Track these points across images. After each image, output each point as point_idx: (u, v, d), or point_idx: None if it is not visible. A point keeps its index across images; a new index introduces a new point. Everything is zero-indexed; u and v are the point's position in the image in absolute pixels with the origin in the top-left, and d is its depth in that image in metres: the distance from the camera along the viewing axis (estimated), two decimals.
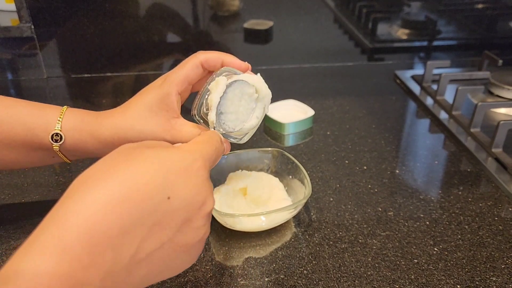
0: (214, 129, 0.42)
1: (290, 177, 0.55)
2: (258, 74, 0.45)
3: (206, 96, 0.43)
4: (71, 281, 0.23)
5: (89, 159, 0.64)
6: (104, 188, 0.25)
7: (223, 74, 0.44)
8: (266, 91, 0.45)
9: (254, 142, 0.68)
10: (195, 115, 0.44)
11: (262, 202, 0.52)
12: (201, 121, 0.44)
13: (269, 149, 0.58)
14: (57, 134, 0.44)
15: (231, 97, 0.43)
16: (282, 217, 0.49)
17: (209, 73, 0.46)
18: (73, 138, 0.45)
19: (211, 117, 0.42)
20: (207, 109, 0.42)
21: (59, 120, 0.44)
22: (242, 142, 0.47)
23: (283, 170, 0.56)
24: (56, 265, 0.23)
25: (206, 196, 0.30)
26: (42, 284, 0.22)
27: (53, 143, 0.44)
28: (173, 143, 0.42)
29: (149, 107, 0.44)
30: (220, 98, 0.42)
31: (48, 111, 0.45)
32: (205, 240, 0.32)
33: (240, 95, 0.44)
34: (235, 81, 0.43)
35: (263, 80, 0.45)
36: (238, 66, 0.46)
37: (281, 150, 0.57)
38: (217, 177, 0.55)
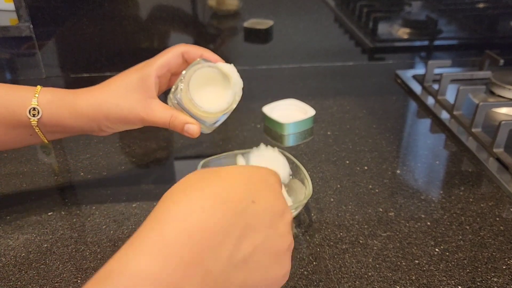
0: (181, 101, 0.47)
1: (291, 177, 0.55)
2: (232, 64, 0.49)
3: (182, 78, 0.47)
4: (172, 280, 0.24)
5: (84, 158, 0.63)
6: (201, 194, 0.27)
7: (198, 62, 0.49)
8: (237, 79, 0.49)
9: (254, 142, 0.68)
10: (170, 97, 0.48)
11: None
12: (175, 102, 0.48)
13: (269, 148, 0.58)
14: (34, 109, 0.45)
15: (202, 79, 0.48)
16: None
17: (188, 64, 0.50)
18: (50, 111, 0.46)
19: (183, 88, 0.47)
20: (181, 92, 0.47)
21: (35, 96, 0.46)
22: (212, 127, 0.50)
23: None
24: (157, 264, 0.24)
25: (285, 204, 0.32)
26: (144, 283, 0.23)
27: (31, 117, 0.45)
28: (147, 120, 0.47)
29: (129, 84, 0.47)
30: (191, 76, 0.47)
31: (25, 89, 0.47)
32: (291, 251, 0.31)
33: (211, 79, 0.48)
34: (207, 66, 0.48)
35: (236, 70, 0.49)
36: (214, 59, 0.50)
37: (281, 150, 0.56)
38: None
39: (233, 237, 0.27)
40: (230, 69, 0.49)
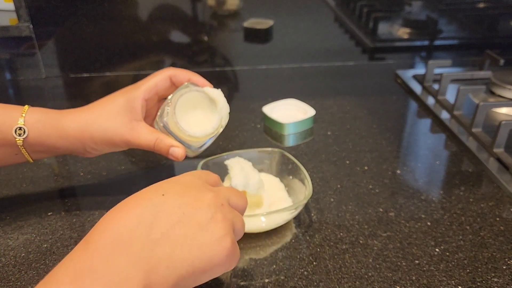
0: (167, 125, 0.48)
1: (291, 177, 0.55)
2: (219, 89, 0.50)
3: (168, 102, 0.48)
4: (102, 267, 0.29)
5: (84, 158, 0.63)
6: (121, 207, 0.33)
7: (185, 86, 0.49)
8: (223, 104, 0.49)
9: (254, 142, 0.68)
10: (156, 120, 0.49)
11: (262, 202, 0.51)
12: (161, 125, 0.48)
13: (269, 149, 0.58)
14: (20, 128, 0.46)
15: (189, 103, 0.48)
16: (283, 217, 0.49)
17: (176, 87, 0.51)
18: (36, 131, 0.46)
19: (169, 112, 0.47)
20: (167, 115, 0.48)
21: (22, 115, 0.46)
22: (197, 151, 0.51)
23: (283, 170, 0.56)
24: (82, 256, 0.30)
25: (198, 191, 0.35)
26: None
27: (17, 137, 0.45)
28: (132, 143, 0.47)
29: (115, 107, 0.47)
30: (177, 100, 0.47)
31: (12, 108, 0.47)
32: (219, 221, 0.34)
33: (198, 103, 0.49)
34: (195, 91, 0.49)
35: (222, 94, 0.49)
36: (202, 84, 0.51)
37: (282, 150, 0.56)
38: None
39: (146, 222, 0.31)
40: (217, 94, 0.49)
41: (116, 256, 0.29)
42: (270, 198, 0.52)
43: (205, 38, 0.94)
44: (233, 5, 0.91)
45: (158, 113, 0.49)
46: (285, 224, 0.51)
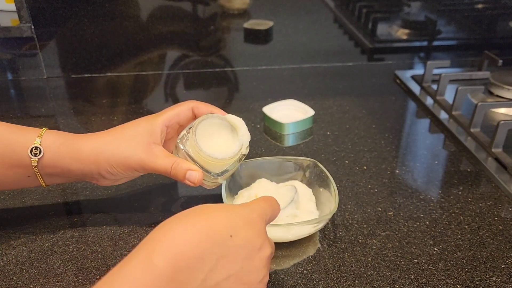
0: (185, 147, 0.47)
1: (321, 189, 0.53)
2: (241, 118, 0.49)
3: (190, 127, 0.47)
4: None
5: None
6: (185, 228, 0.32)
7: (208, 116, 0.49)
8: (245, 131, 0.48)
9: (254, 142, 0.68)
10: (175, 145, 0.48)
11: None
12: (180, 146, 0.47)
13: (304, 158, 0.56)
14: (36, 148, 0.45)
15: (210, 129, 0.48)
16: (304, 231, 0.48)
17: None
18: (51, 152, 0.45)
19: (190, 134, 0.46)
20: (187, 139, 0.47)
21: (39, 136, 0.45)
22: (215, 180, 0.49)
23: (315, 181, 0.54)
24: (143, 279, 0.29)
25: (263, 240, 0.36)
26: None
27: (32, 156, 0.44)
28: (148, 165, 0.46)
29: (135, 130, 0.47)
30: (199, 124, 0.47)
31: (29, 130, 0.46)
32: (264, 284, 0.36)
33: (219, 130, 0.49)
34: (216, 117, 0.48)
35: (244, 123, 0.49)
36: (223, 115, 0.50)
37: (315, 161, 0.54)
38: (247, 181, 0.55)
39: (208, 264, 0.31)
40: (239, 121, 0.48)
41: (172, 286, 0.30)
42: (298, 209, 0.51)
43: (207, 38, 0.94)
44: (244, 3, 0.91)
45: (178, 137, 0.48)
46: None
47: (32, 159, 0.44)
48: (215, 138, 0.48)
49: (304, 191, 0.53)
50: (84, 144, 0.46)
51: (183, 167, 0.46)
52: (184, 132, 0.48)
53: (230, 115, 0.49)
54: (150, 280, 0.29)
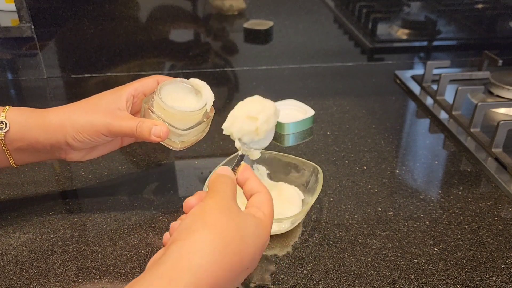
0: (151, 106, 0.47)
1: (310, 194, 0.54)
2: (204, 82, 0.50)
3: (155, 91, 0.48)
4: None
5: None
6: (207, 239, 0.31)
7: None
8: (208, 92, 0.49)
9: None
10: (143, 103, 0.49)
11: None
12: (145, 106, 0.48)
13: (305, 161, 0.56)
14: (1, 122, 0.45)
15: (174, 92, 0.49)
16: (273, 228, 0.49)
17: None
18: (18, 124, 0.46)
19: (155, 94, 0.47)
20: (152, 98, 0.48)
21: (3, 111, 0.46)
22: (182, 139, 0.50)
23: (310, 184, 0.55)
24: None
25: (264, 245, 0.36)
26: None
27: None
28: (113, 127, 0.46)
29: (101, 99, 0.48)
30: (163, 86, 0.48)
31: None
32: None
33: (183, 94, 0.49)
34: (180, 82, 0.49)
35: (208, 86, 0.50)
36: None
37: (318, 168, 0.54)
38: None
39: (235, 274, 0.32)
40: (202, 83, 0.50)
41: None
42: (281, 208, 0.52)
43: (207, 38, 0.94)
44: (242, 3, 0.91)
45: (143, 102, 0.49)
46: None
47: None
48: (180, 101, 0.49)
49: (293, 192, 0.54)
50: (50, 115, 0.47)
51: (147, 124, 0.47)
52: (149, 96, 0.49)
53: (193, 78, 0.50)
54: None
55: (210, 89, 0.50)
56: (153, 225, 0.51)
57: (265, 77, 0.94)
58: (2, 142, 0.46)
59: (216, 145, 0.67)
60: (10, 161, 0.48)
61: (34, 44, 0.88)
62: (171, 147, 0.50)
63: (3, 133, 0.45)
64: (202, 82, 0.50)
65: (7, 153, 0.47)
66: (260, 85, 0.90)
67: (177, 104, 0.48)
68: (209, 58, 0.96)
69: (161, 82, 0.50)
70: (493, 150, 0.63)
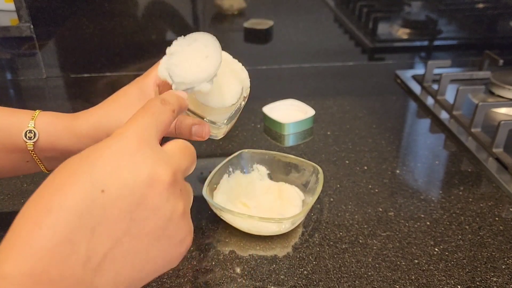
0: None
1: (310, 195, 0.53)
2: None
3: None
4: None
5: None
6: (34, 211, 0.24)
7: None
8: (245, 73, 0.45)
9: (254, 142, 0.68)
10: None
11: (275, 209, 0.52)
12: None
13: (310, 163, 0.56)
14: (30, 131, 0.43)
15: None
16: (268, 229, 0.49)
17: None
18: (47, 133, 0.43)
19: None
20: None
21: (32, 118, 0.44)
22: (222, 129, 0.45)
23: (314, 188, 0.54)
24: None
25: (151, 169, 0.26)
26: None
27: (27, 140, 0.43)
28: None
29: (128, 98, 0.44)
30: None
31: (22, 112, 0.45)
32: (180, 217, 0.27)
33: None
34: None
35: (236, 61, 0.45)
36: None
37: (318, 168, 0.54)
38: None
39: (83, 243, 0.23)
40: (240, 66, 0.45)
41: None
42: (282, 208, 0.52)
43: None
44: (242, 3, 0.91)
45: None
46: None
47: (28, 143, 0.43)
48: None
49: (293, 192, 0.54)
50: (81, 122, 0.44)
51: (187, 123, 0.42)
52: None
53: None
54: None
55: (240, 63, 0.45)
56: None
57: (265, 77, 0.94)
58: (31, 152, 0.44)
59: (216, 145, 0.67)
60: (42, 168, 0.46)
61: (33, 43, 0.88)
62: (211, 137, 0.45)
63: (32, 143, 0.43)
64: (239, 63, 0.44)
65: (38, 161, 0.45)
66: (260, 85, 0.90)
67: (209, 98, 0.42)
68: None
69: None
70: (494, 150, 0.63)
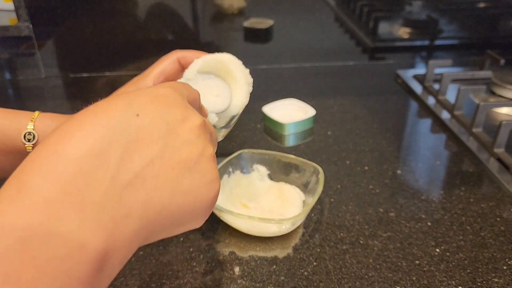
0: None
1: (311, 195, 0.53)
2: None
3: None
4: (41, 226, 0.20)
5: None
6: (74, 127, 0.24)
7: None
8: (249, 76, 0.46)
9: (254, 142, 0.68)
10: None
11: (275, 209, 0.52)
12: None
13: (311, 163, 0.55)
14: (29, 133, 0.43)
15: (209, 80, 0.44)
16: (268, 230, 0.49)
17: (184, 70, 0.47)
18: (46, 135, 0.43)
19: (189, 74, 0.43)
20: None
21: (32, 120, 0.44)
22: (222, 131, 0.46)
23: (311, 185, 0.54)
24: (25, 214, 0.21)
25: (184, 110, 0.28)
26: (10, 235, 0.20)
27: (26, 142, 0.43)
28: None
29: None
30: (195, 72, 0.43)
31: (22, 114, 0.45)
32: (211, 157, 0.28)
33: (213, 76, 0.45)
34: (212, 59, 0.44)
35: (239, 62, 0.47)
36: None
37: (319, 168, 0.54)
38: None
39: (113, 157, 0.23)
40: (243, 69, 0.46)
41: (62, 212, 0.21)
42: (282, 208, 0.52)
43: (207, 37, 0.94)
44: (242, 2, 0.91)
45: None
46: None
47: (27, 145, 0.43)
48: (211, 86, 0.45)
49: (294, 192, 0.54)
50: None
51: None
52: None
53: (217, 56, 0.45)
54: (23, 213, 0.20)
55: (243, 67, 0.46)
56: None
57: (265, 77, 0.93)
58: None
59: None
60: None
61: (32, 43, 0.88)
62: None
63: (31, 145, 0.43)
64: (231, 58, 0.45)
65: None
66: (260, 85, 0.90)
67: (208, 91, 0.43)
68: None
69: (182, 59, 0.46)
70: (495, 150, 0.62)
